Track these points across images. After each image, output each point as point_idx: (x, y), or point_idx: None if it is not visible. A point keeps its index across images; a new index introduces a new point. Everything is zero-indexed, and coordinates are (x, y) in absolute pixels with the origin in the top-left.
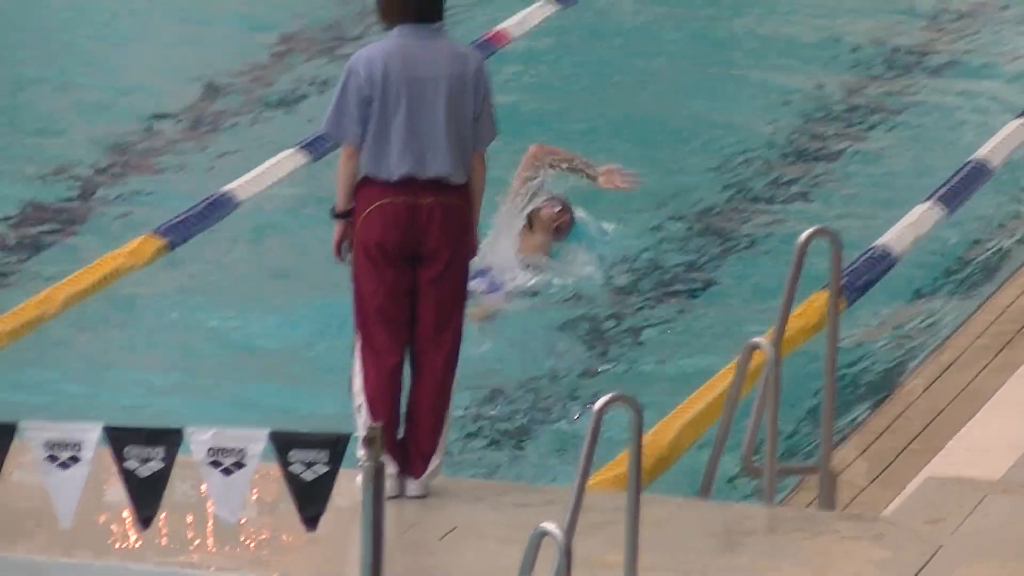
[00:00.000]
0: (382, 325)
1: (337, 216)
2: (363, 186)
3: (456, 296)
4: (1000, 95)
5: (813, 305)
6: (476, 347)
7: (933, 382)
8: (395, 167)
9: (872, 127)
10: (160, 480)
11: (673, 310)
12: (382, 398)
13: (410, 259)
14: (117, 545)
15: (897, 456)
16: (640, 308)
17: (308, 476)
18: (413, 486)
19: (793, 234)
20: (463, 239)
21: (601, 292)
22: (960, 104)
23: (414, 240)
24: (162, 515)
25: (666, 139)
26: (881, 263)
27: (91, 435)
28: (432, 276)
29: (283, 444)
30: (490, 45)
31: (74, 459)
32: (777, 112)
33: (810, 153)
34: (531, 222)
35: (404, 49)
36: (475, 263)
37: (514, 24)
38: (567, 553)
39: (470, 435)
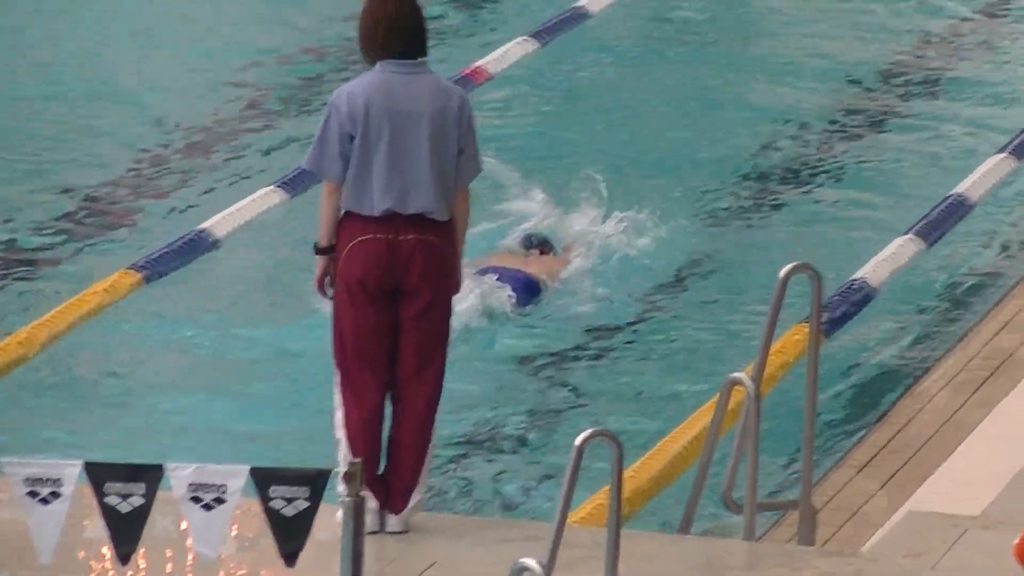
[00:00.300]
0: (363, 363)
1: (320, 252)
2: (345, 221)
3: (438, 335)
4: (990, 124)
5: (793, 339)
6: (464, 381)
7: (914, 416)
8: (377, 202)
9: (862, 152)
10: (140, 516)
11: (654, 342)
12: (363, 434)
13: (392, 295)
14: None
15: (878, 490)
16: (621, 340)
17: (288, 511)
18: (393, 521)
19: (775, 264)
20: (444, 280)
21: (585, 324)
22: (950, 132)
23: (395, 277)
24: (142, 550)
25: (649, 168)
26: (858, 296)
27: (71, 471)
28: (414, 313)
29: (263, 480)
30: (468, 81)
31: (54, 495)
32: (763, 139)
33: (792, 182)
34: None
35: (386, 84)
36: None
37: (493, 60)
38: None
39: (452, 467)
